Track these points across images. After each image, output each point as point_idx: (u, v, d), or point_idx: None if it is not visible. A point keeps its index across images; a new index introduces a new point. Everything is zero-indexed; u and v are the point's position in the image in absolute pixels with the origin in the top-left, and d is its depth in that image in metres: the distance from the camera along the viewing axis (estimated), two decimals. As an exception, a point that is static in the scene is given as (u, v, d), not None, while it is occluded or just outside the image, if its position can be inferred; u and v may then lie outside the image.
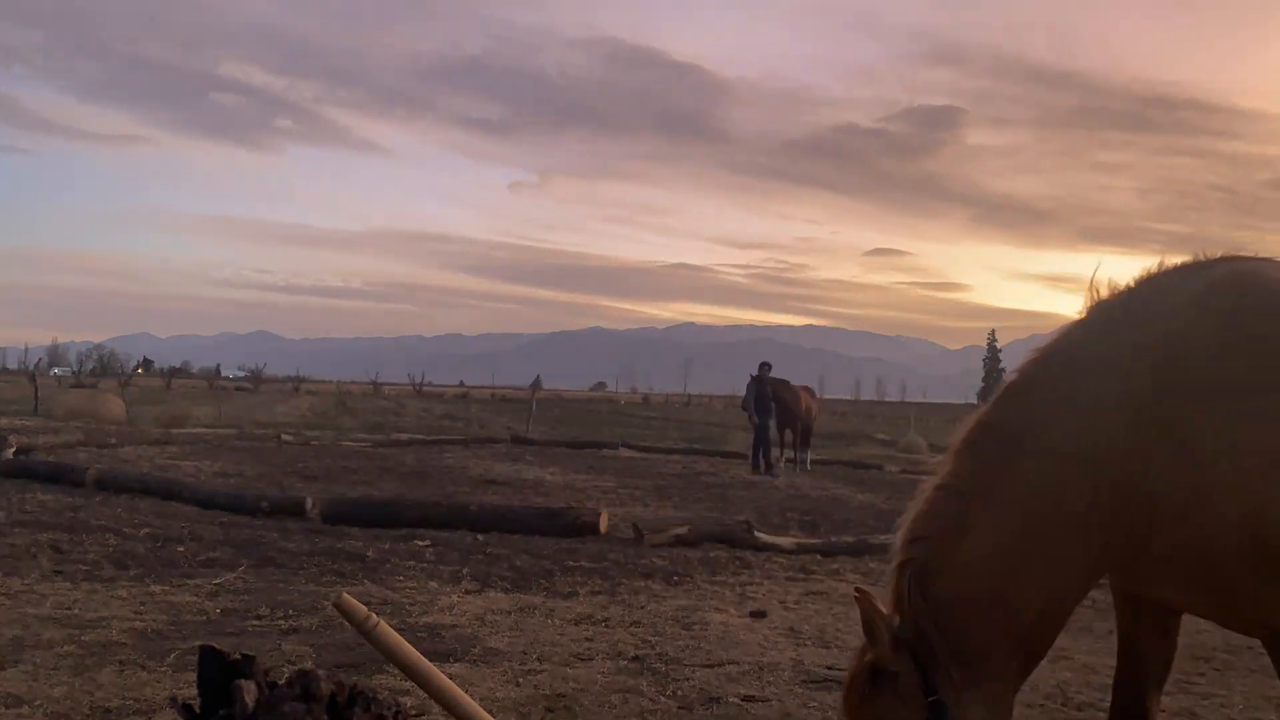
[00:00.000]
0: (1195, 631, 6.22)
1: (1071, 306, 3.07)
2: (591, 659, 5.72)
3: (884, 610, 2.76)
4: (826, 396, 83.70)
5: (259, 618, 6.42)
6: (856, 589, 2.80)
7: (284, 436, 22.72)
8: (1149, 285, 2.93)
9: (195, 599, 6.89)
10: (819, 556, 9.75)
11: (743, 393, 21.03)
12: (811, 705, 5.03)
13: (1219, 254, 2.97)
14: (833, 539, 10.51)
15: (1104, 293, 2.96)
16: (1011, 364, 4.02)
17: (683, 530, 10.14)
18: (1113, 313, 2.91)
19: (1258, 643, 6.41)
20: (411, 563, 8.51)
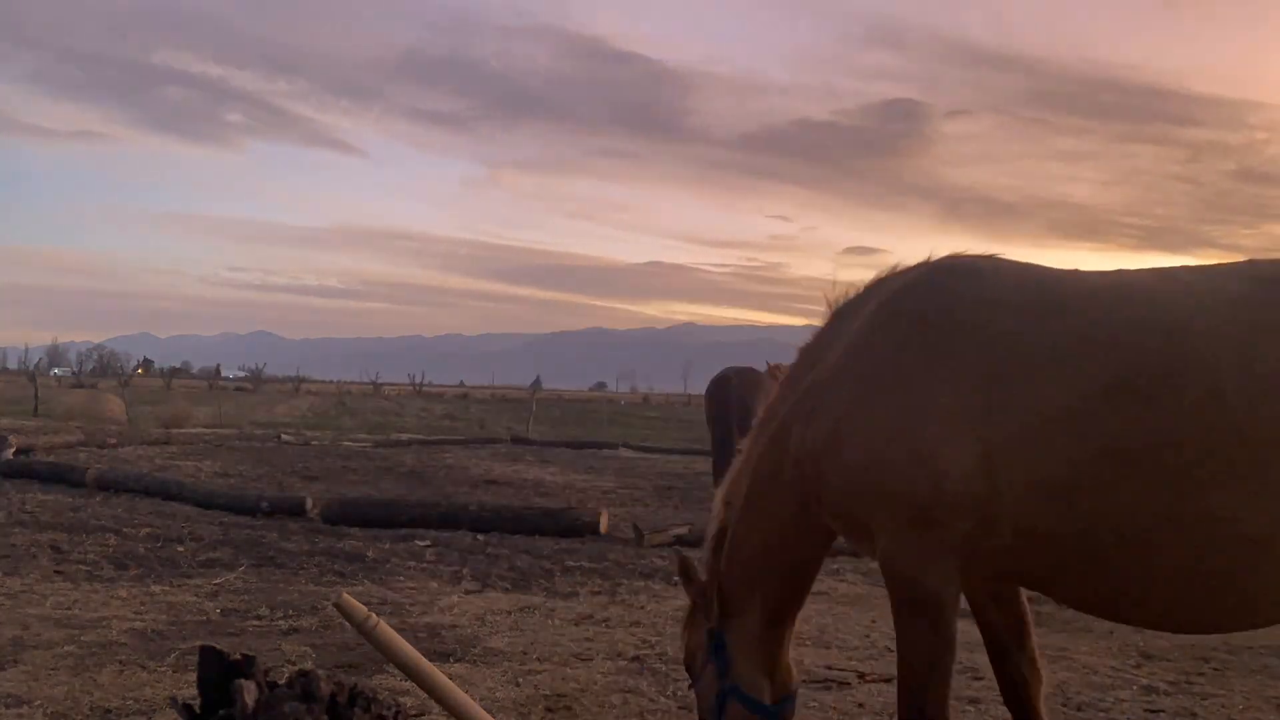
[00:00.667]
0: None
1: None
2: (591, 659, 5.72)
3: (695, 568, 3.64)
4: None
5: (259, 618, 6.42)
6: (679, 557, 3.68)
7: (284, 436, 22.74)
8: (877, 284, 3.38)
9: (195, 599, 6.90)
10: (819, 556, 9.75)
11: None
12: (811, 705, 5.03)
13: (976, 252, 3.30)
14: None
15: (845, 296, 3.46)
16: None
17: (683, 530, 10.14)
18: (841, 310, 3.44)
19: (1258, 642, 6.43)
20: (411, 563, 8.51)
